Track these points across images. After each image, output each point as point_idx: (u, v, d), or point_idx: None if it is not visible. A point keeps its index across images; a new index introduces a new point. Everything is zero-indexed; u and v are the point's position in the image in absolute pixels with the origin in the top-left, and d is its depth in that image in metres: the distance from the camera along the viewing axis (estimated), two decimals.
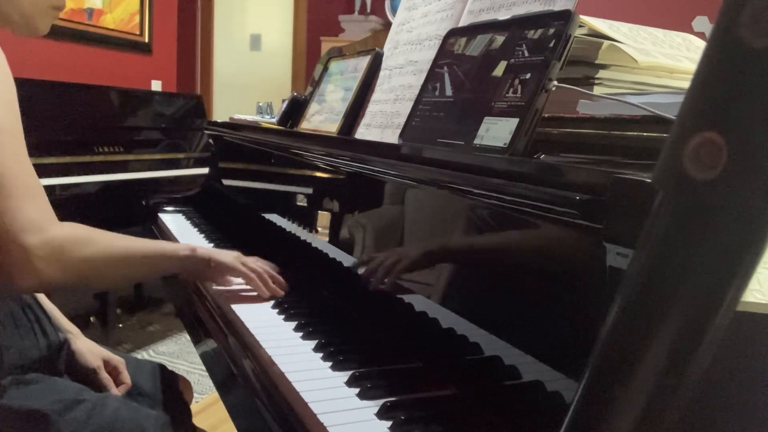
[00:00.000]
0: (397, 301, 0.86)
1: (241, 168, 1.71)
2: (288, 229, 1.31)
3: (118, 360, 1.06)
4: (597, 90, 0.85)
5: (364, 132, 1.10)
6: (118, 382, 1.04)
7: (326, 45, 3.87)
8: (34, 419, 0.82)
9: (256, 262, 1.03)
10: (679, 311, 0.27)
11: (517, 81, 0.72)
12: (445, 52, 0.90)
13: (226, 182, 1.80)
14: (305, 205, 1.25)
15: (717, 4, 0.25)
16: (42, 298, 1.05)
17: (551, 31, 0.71)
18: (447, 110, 0.83)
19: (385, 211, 0.95)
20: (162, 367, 1.16)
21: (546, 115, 0.74)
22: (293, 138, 1.30)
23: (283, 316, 0.92)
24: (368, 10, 4.12)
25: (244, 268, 1.00)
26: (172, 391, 1.12)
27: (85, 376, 1.01)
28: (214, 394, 2.21)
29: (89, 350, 1.05)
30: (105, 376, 1.03)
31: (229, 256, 1.01)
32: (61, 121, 2.78)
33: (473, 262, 0.74)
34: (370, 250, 0.96)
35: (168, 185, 3.04)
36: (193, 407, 1.18)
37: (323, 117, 1.25)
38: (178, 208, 1.84)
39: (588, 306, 0.54)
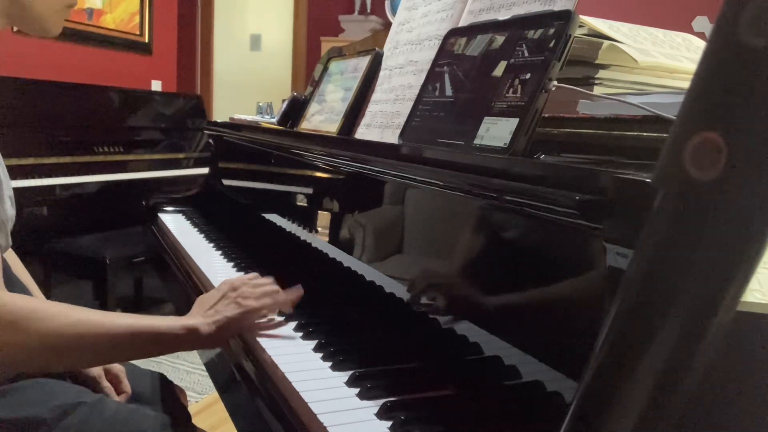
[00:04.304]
0: (397, 301, 0.86)
1: (241, 168, 1.71)
2: (288, 229, 1.31)
3: (118, 368, 1.05)
4: (597, 90, 0.85)
5: (364, 132, 1.10)
6: (118, 391, 1.04)
7: (326, 45, 3.87)
8: (30, 428, 0.80)
9: (254, 289, 0.88)
10: (679, 311, 0.27)
11: (517, 81, 0.72)
12: (445, 52, 0.90)
13: (226, 182, 1.80)
14: (305, 205, 1.25)
15: (717, 4, 0.25)
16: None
17: (551, 31, 0.71)
18: (447, 110, 0.83)
19: (385, 211, 0.95)
20: (162, 377, 1.15)
21: (546, 115, 0.74)
22: (293, 138, 1.30)
23: (283, 317, 0.92)
24: (368, 10, 4.12)
25: (252, 304, 0.86)
26: (170, 396, 1.12)
27: (86, 384, 1.00)
28: (214, 394, 2.21)
29: None
30: (106, 385, 1.02)
31: (227, 310, 0.85)
32: (61, 121, 2.77)
33: (473, 262, 0.74)
34: (370, 251, 0.96)
35: (168, 185, 3.04)
36: (193, 407, 1.18)
37: (323, 117, 1.25)
38: (178, 208, 1.84)
39: (588, 306, 0.54)
